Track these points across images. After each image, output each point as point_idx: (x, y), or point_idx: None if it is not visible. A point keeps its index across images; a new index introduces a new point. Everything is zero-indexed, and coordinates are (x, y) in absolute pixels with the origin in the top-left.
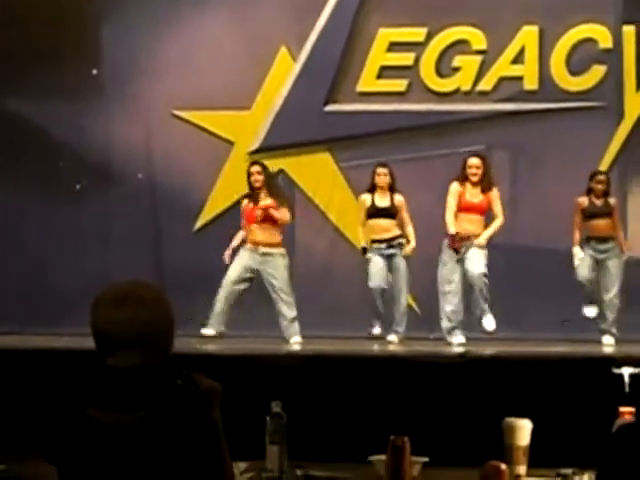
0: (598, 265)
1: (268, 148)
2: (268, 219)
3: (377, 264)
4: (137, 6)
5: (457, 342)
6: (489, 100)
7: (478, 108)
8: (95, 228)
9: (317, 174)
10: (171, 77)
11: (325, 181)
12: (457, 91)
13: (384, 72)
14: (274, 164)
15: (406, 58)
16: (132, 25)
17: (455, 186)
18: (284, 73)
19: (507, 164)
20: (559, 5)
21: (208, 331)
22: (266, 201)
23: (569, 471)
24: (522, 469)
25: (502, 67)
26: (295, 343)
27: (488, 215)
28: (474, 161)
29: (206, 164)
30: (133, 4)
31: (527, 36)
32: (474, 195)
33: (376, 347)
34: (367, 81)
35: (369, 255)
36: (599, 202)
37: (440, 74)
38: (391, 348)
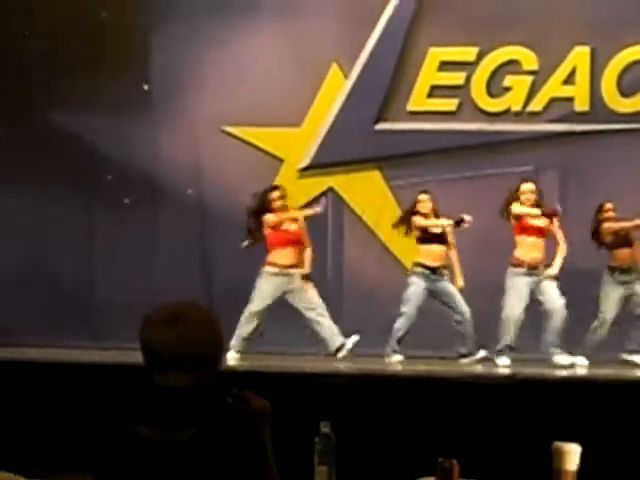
0: None
1: (318, 165)
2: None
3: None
4: (187, 19)
5: (502, 364)
6: (539, 121)
7: (528, 128)
8: (143, 243)
9: (366, 192)
10: (221, 92)
11: (374, 199)
12: (507, 111)
13: (435, 91)
14: (324, 182)
15: (457, 77)
16: (182, 39)
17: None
18: (335, 90)
19: (556, 186)
20: (611, 25)
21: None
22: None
23: None
24: None
25: (553, 88)
26: (347, 349)
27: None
28: (529, 186)
29: (256, 181)
30: (183, 18)
31: (578, 56)
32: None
33: (423, 367)
34: (418, 100)
35: None
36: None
37: (491, 94)
38: (440, 369)
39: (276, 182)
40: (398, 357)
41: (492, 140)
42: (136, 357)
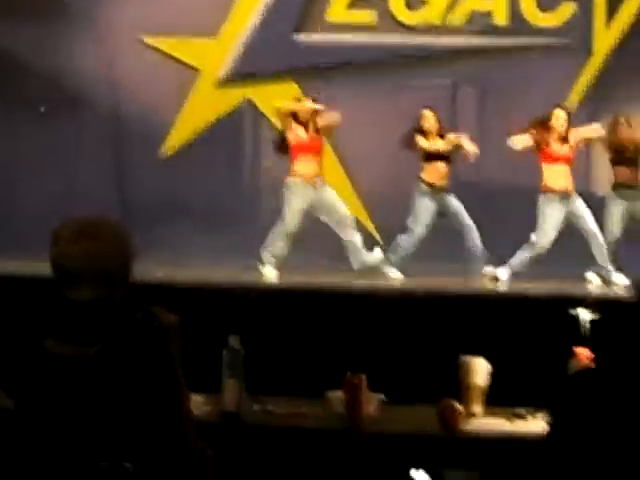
0: None
1: (235, 77)
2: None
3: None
4: None
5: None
6: (458, 34)
7: (447, 42)
8: (59, 151)
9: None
10: (138, 2)
11: None
12: (426, 24)
13: (354, 3)
14: (241, 93)
15: None
16: None
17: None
18: (253, 1)
19: (474, 98)
20: None
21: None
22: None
23: (524, 411)
24: (478, 408)
25: (472, 1)
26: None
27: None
28: (562, 114)
29: (172, 91)
30: None
31: None
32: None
33: (336, 280)
34: (337, 12)
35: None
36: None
37: (409, 6)
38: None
39: (193, 93)
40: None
41: (410, 53)
42: (46, 270)
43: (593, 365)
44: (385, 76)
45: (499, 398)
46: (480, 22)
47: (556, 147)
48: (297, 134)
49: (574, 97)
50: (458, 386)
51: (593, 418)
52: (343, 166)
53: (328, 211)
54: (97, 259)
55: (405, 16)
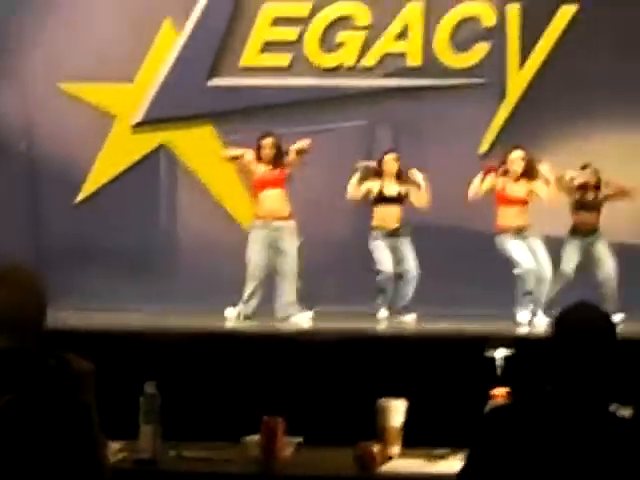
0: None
1: (150, 121)
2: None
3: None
4: None
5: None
6: (373, 76)
7: (361, 84)
8: None
9: (199, 148)
10: (54, 48)
11: (207, 155)
12: (341, 66)
13: (268, 47)
14: (157, 137)
15: (290, 33)
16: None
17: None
18: (167, 46)
19: (390, 139)
20: None
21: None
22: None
23: (442, 451)
24: (396, 449)
25: (386, 43)
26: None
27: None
28: (519, 153)
29: (88, 137)
30: None
31: (411, 12)
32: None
33: (248, 324)
34: (251, 56)
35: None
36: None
37: (324, 49)
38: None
39: (109, 138)
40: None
41: (325, 95)
42: None
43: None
44: (300, 118)
45: (418, 439)
46: (394, 63)
47: (511, 189)
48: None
49: (489, 136)
50: (375, 428)
51: (506, 453)
52: None
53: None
54: (9, 308)
55: (319, 59)
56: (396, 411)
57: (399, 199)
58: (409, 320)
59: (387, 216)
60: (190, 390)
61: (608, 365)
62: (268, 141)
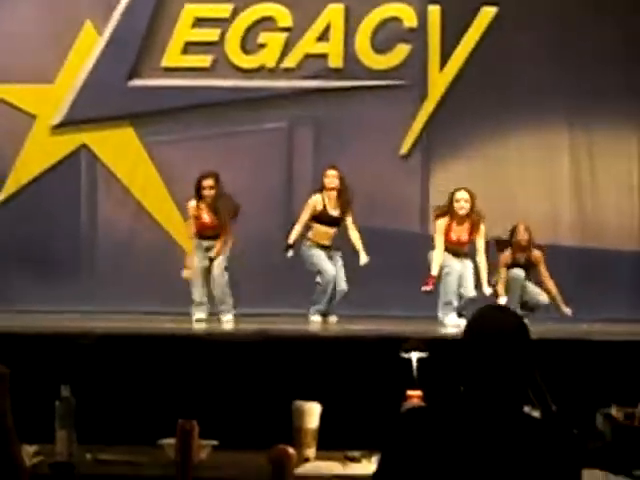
0: None
1: (71, 122)
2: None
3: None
4: None
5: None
6: (294, 77)
7: (282, 85)
8: None
9: (120, 149)
10: None
11: (128, 156)
12: (262, 68)
13: (189, 48)
14: (77, 139)
15: (211, 34)
16: None
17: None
18: (88, 47)
19: (310, 141)
20: None
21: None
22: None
23: (357, 454)
24: (311, 452)
25: (307, 44)
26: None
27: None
28: (463, 195)
29: (8, 137)
30: None
31: (332, 14)
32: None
33: (167, 325)
34: (172, 56)
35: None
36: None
37: (245, 50)
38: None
39: (29, 139)
40: (316, 318)
41: (246, 97)
42: None
43: (423, 404)
44: (221, 119)
45: (332, 442)
46: (315, 65)
47: (457, 232)
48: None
49: (410, 138)
50: (291, 431)
51: (420, 455)
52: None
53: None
54: None
55: (240, 60)
56: (311, 413)
57: (338, 221)
58: (332, 321)
59: (324, 235)
60: (105, 393)
61: (520, 366)
62: (208, 182)
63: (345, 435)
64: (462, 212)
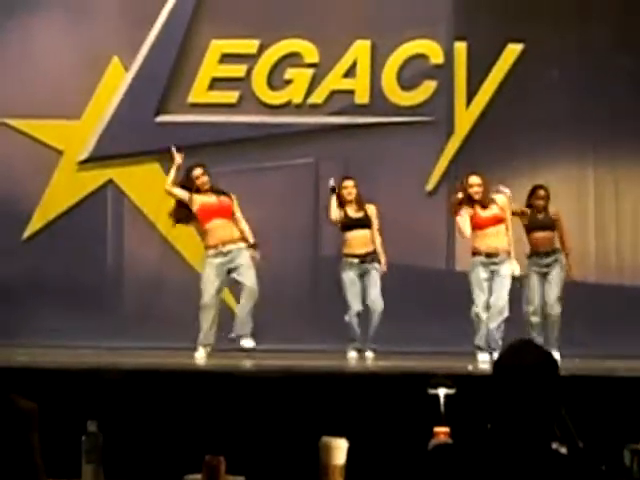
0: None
1: (97, 158)
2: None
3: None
4: None
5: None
6: (320, 113)
7: (309, 121)
8: None
9: (147, 185)
10: (1, 85)
11: (154, 192)
12: (288, 104)
13: (216, 84)
14: (104, 174)
15: (238, 70)
16: None
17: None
18: (115, 83)
19: (338, 177)
20: (391, 20)
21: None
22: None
23: None
24: None
25: (333, 80)
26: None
27: None
28: (475, 180)
29: (35, 173)
30: None
31: (359, 50)
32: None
33: (195, 362)
34: (199, 92)
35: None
36: (540, 216)
37: (272, 86)
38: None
39: (55, 174)
40: (353, 354)
41: (273, 132)
42: None
43: (450, 441)
44: (247, 155)
45: (359, 478)
46: (342, 101)
47: (480, 213)
48: (203, 201)
49: (436, 174)
50: (318, 467)
51: None
52: None
53: (240, 273)
54: None
55: (267, 96)
56: (338, 449)
57: (364, 222)
58: (368, 357)
59: (355, 241)
60: (132, 429)
61: (549, 403)
62: (199, 171)
63: (372, 472)
64: (476, 197)
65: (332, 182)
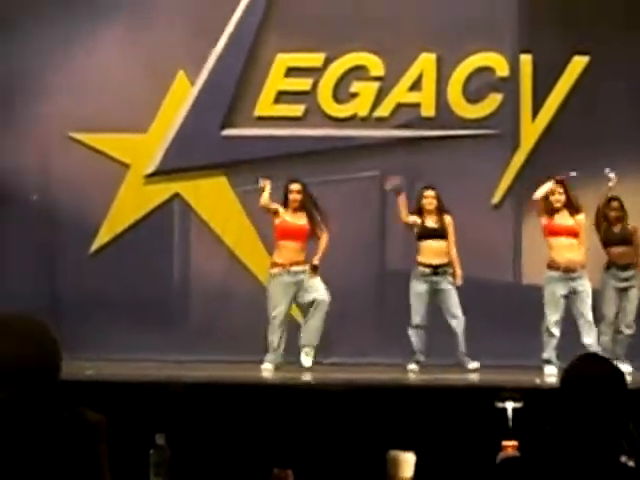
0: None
1: (164, 171)
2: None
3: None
4: (32, 27)
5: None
6: (386, 126)
7: (375, 134)
8: None
9: (213, 198)
10: (67, 99)
11: (221, 206)
12: (354, 117)
13: (281, 97)
14: (170, 188)
15: (304, 83)
16: (28, 46)
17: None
18: (181, 96)
19: (403, 190)
20: (457, 33)
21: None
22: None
23: None
24: None
25: (399, 94)
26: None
27: None
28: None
29: (102, 187)
30: (27, 24)
31: (425, 63)
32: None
33: (261, 375)
34: (264, 106)
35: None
36: (616, 229)
37: (337, 100)
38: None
39: (122, 188)
40: (413, 366)
41: (339, 146)
42: None
43: (519, 455)
44: (313, 168)
45: None
46: (407, 114)
47: (558, 219)
48: (284, 218)
49: (501, 187)
50: None
51: None
52: None
53: (308, 292)
54: (5, 357)
55: (332, 109)
56: (406, 463)
57: (441, 233)
58: (473, 367)
59: (429, 250)
60: (200, 442)
61: (617, 416)
62: (294, 186)
63: None
64: (557, 204)
65: (390, 184)
